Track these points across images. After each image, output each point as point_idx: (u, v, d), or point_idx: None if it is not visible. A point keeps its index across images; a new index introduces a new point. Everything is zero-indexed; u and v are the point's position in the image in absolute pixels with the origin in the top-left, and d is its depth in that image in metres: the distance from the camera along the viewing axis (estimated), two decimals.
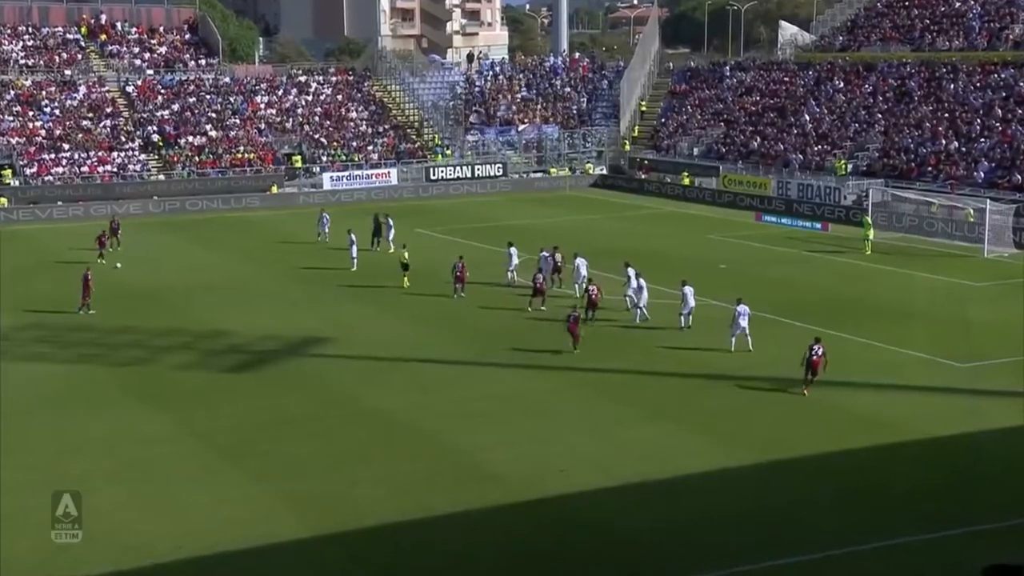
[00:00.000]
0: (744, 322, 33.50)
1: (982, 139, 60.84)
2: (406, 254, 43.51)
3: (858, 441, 26.00)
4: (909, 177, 60.97)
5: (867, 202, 57.60)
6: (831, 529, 21.77)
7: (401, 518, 22.47)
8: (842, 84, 73.97)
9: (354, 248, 46.43)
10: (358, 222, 52.45)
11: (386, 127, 79.90)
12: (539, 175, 79.72)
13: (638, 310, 36.75)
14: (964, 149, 60.99)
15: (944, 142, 62.12)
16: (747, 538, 21.49)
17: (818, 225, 57.43)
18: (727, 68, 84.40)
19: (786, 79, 78.47)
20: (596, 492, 23.60)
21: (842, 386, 30.64)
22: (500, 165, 78.13)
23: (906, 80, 70.19)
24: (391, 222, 51.62)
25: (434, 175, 75.78)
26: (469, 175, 76.54)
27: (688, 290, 36.07)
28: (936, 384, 30.53)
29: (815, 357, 29.66)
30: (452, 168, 76.64)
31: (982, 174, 57.96)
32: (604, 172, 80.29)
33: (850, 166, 64.98)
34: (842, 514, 22.37)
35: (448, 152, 79.27)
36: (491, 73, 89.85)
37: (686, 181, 72.25)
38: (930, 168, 60.97)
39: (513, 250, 42.93)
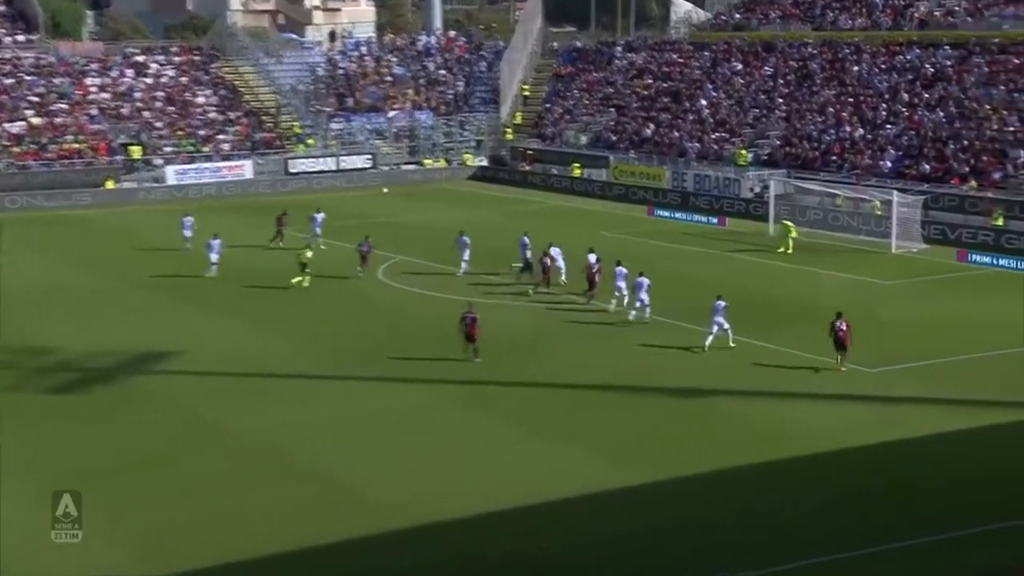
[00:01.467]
0: (721, 318, 35.02)
1: (888, 125, 62.96)
2: (308, 253, 44.43)
3: (763, 455, 26.53)
4: (813, 167, 62.70)
5: (768, 195, 59.04)
6: (732, 552, 22.15)
7: (263, 553, 22.04)
8: (740, 66, 75.68)
9: (214, 254, 45.76)
10: (223, 222, 51.51)
11: (238, 114, 78.62)
12: (412, 167, 79.51)
13: (635, 309, 38.01)
14: (870, 136, 63.01)
15: (849, 129, 64.07)
16: (638, 565, 21.69)
17: (714, 220, 58.59)
18: (617, 48, 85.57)
19: (680, 60, 79.92)
20: (480, 518, 23.60)
21: (746, 395, 31.28)
22: (368, 156, 77.69)
23: (807, 61, 72.19)
24: (319, 217, 52.01)
25: (294, 168, 74.93)
26: (334, 168, 75.92)
27: (642, 281, 38.15)
28: (845, 391, 31.40)
29: (841, 333, 32.70)
30: (314, 160, 75.89)
31: (889, 163, 59.97)
32: (484, 163, 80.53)
33: (750, 155, 66.53)
34: (746, 535, 22.77)
35: (310, 142, 78.42)
36: (356, 53, 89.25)
37: (574, 172, 72.96)
38: (834, 157, 62.82)
39: (466, 238, 45.22)
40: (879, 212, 54.23)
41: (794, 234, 51.46)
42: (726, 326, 35.34)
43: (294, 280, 43.54)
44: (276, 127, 79.34)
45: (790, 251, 50.61)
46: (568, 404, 30.77)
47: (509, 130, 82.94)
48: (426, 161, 79.89)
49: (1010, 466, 25.52)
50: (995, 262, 47.27)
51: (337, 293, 43.64)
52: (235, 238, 51.16)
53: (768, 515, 23.48)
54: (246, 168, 73.38)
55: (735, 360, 34.43)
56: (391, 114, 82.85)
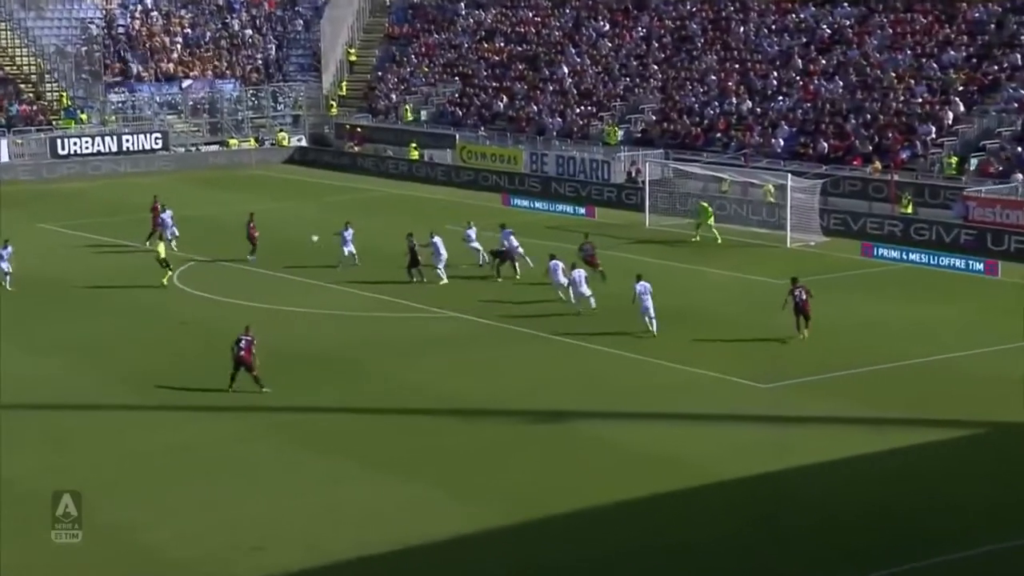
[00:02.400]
0: (649, 303, 37.65)
1: (780, 97, 64.76)
2: (161, 247, 46.25)
3: (640, 487, 26.97)
4: (694, 146, 64.13)
5: (641, 179, 60.11)
6: None
7: None
8: (608, 27, 76.90)
9: (5, 263, 45.05)
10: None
11: None
12: (214, 148, 78.69)
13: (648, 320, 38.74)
14: (759, 110, 64.72)
15: (735, 101, 65.70)
16: None
17: (582, 210, 59.45)
18: (461, 4, 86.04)
19: (537, 20, 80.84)
20: (302, 573, 23.45)
21: (611, 417, 31.79)
22: (159, 135, 76.62)
23: (686, 21, 73.78)
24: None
25: (63, 148, 73.44)
26: (115, 148, 74.72)
27: (578, 274, 40.51)
28: (735, 411, 32.14)
29: (800, 301, 37.15)
30: (90, 139, 74.46)
31: (782, 141, 61.69)
32: (303, 143, 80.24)
33: (621, 133, 67.63)
34: None
35: (83, 117, 76.84)
36: (140, 7, 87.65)
37: (413, 155, 73.22)
38: (719, 135, 64.35)
39: (438, 240, 45.81)
40: (772, 199, 55.71)
41: (711, 219, 52.58)
42: (653, 314, 37.62)
43: (164, 280, 45.09)
44: (38, 99, 77.40)
45: (719, 240, 52.03)
46: (405, 432, 30.83)
47: (333, 103, 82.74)
48: (231, 141, 79.10)
49: (902, 502, 26.28)
50: (904, 256, 48.92)
51: (126, 305, 43.02)
52: None
53: (643, 556, 23.90)
54: (0, 149, 71.40)
55: (600, 376, 34.97)
56: (186, 83, 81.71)
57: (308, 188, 68.18)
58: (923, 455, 28.95)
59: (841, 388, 33.75)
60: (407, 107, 77.57)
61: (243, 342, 33.29)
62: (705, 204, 53.60)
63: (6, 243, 45.43)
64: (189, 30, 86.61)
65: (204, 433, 30.84)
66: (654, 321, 37.97)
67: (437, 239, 45.45)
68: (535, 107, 72.84)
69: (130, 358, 37.02)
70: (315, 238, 45.83)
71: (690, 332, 38.55)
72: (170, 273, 45.76)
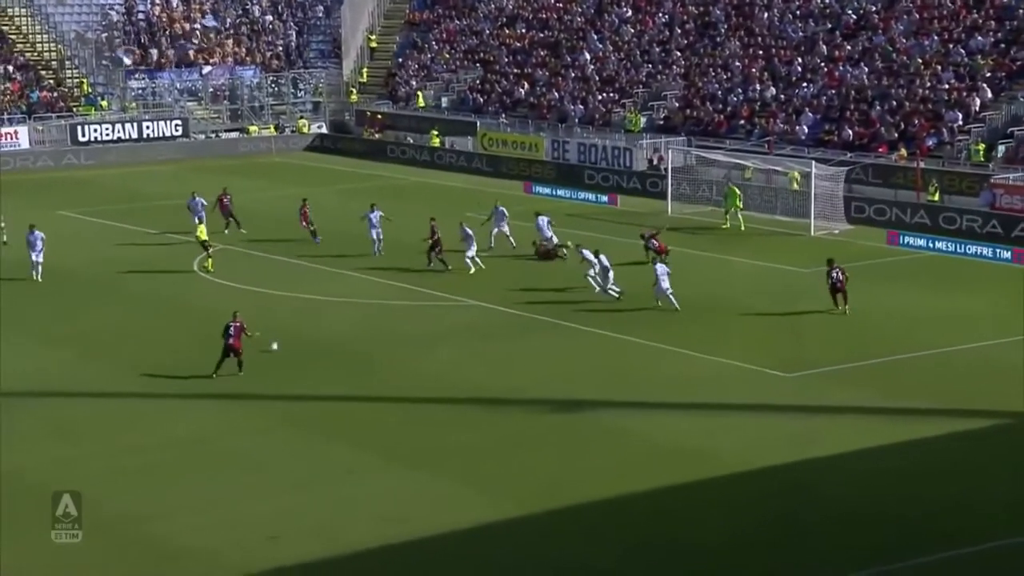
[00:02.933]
0: (666, 283, 38.70)
1: (804, 83, 64.31)
2: (203, 230, 46.84)
3: (662, 478, 26.83)
4: (717, 133, 63.74)
5: (664, 166, 59.80)
6: None
7: None
8: (630, 12, 76.49)
9: (37, 253, 44.25)
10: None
11: (9, 68, 76.57)
12: (234, 135, 78.63)
13: (612, 291, 40.02)
14: (783, 97, 64.28)
15: (759, 87, 65.28)
16: None
17: (604, 198, 59.19)
18: None
19: (559, 5, 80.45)
20: (319, 564, 23.35)
21: (642, 407, 31.62)
22: (179, 122, 76.55)
23: (709, 7, 73.31)
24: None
25: (84, 135, 73.44)
26: (135, 135, 74.71)
27: (600, 257, 40.23)
28: (759, 401, 31.94)
29: (839, 284, 38.58)
30: (110, 126, 74.49)
31: (806, 128, 61.27)
32: (324, 131, 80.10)
33: (644, 120, 67.31)
34: (642, 573, 23.00)
35: (104, 104, 76.84)
36: None
37: (434, 142, 73.02)
38: (743, 122, 63.95)
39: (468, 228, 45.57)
40: (796, 186, 55.36)
41: (739, 203, 52.41)
42: (671, 291, 38.53)
43: (207, 263, 45.41)
44: (59, 85, 77.46)
45: (743, 227, 51.87)
46: (422, 423, 30.71)
47: (354, 90, 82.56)
48: (251, 128, 79.00)
49: (922, 495, 26.01)
50: (931, 245, 48.58)
51: (145, 294, 42.96)
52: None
53: (662, 551, 23.73)
54: (21, 136, 71.66)
55: (621, 366, 34.77)
56: (207, 70, 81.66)
57: (328, 175, 68.06)
58: (947, 446, 28.74)
59: (866, 377, 33.51)
60: (419, 93, 77.33)
61: (232, 328, 33.25)
62: (734, 187, 53.37)
63: (32, 228, 45.11)
64: (210, 16, 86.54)
65: (218, 424, 30.73)
66: (673, 297, 38.70)
67: (468, 228, 45.02)
68: (557, 94, 72.55)
69: (144, 348, 36.86)
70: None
71: (714, 321, 38.37)
72: (210, 258, 45.64)
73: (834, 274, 38.85)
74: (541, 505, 25.70)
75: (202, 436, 29.89)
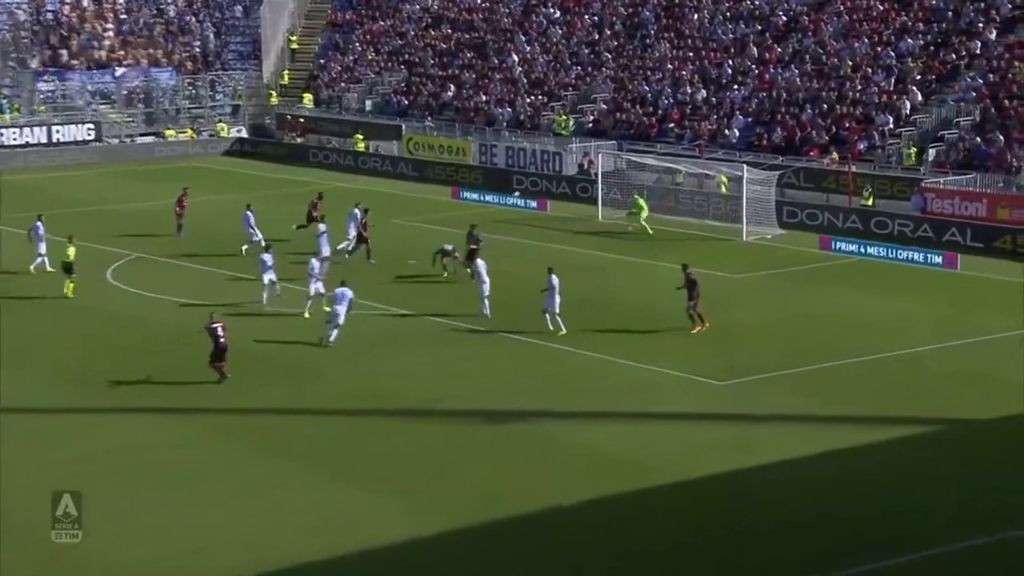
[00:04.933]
0: (556, 300, 37.61)
1: (735, 86, 65.02)
2: (71, 251, 43.40)
3: (600, 488, 27.02)
4: (648, 137, 64.27)
5: (594, 170, 60.17)
6: None
7: None
8: (558, 13, 76.87)
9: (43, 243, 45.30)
10: None
11: None
12: (150, 140, 78.02)
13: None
14: (714, 99, 64.94)
15: (689, 90, 65.88)
16: None
17: (533, 204, 59.47)
18: None
19: (485, 5, 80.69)
20: None
21: (576, 417, 31.83)
22: (91, 126, 75.81)
23: (639, 7, 73.84)
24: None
25: None
26: (44, 140, 73.98)
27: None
28: (694, 409, 32.29)
29: (693, 299, 37.46)
30: (17, 130, 73.65)
31: (737, 132, 61.94)
32: (243, 135, 79.73)
33: (573, 123, 67.67)
34: None
35: (13, 108, 75.90)
36: None
37: (359, 146, 72.94)
38: (673, 125, 64.50)
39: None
40: (726, 191, 55.94)
41: (645, 213, 52.93)
42: (556, 310, 37.57)
43: (66, 289, 42.86)
44: None
45: (650, 232, 52.56)
46: (357, 434, 30.72)
47: (274, 93, 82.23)
48: (168, 132, 78.51)
49: (864, 502, 26.40)
50: (863, 250, 49.25)
51: (58, 303, 42.54)
52: None
53: (602, 561, 23.91)
54: None
55: (555, 375, 34.99)
56: (120, 72, 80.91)
57: (250, 181, 67.71)
58: (886, 453, 29.17)
59: (801, 384, 33.97)
60: (305, 95, 77.18)
61: (219, 328, 33.32)
62: (638, 198, 53.85)
63: (40, 216, 45.69)
64: (123, 16, 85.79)
65: (147, 436, 30.56)
66: (559, 319, 37.82)
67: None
68: (484, 97, 72.77)
69: (68, 359, 36.64)
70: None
71: (646, 329, 38.64)
72: (70, 283, 43.05)
73: (690, 274, 38.19)
74: (474, 518, 25.81)
75: (131, 447, 29.71)
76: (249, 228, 49.02)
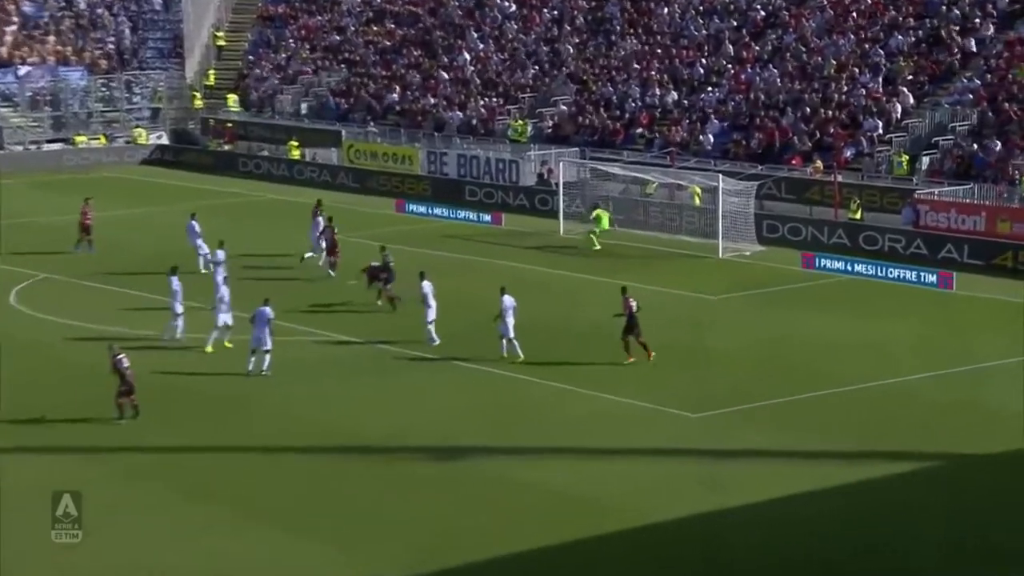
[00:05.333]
0: (511, 322, 37.99)
1: (709, 88, 65.57)
2: None
3: (557, 533, 27.23)
4: (614, 143, 64.73)
5: (555, 181, 60.54)
6: None
7: None
8: (514, 7, 77.33)
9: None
10: None
11: None
12: (57, 147, 77.85)
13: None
14: (686, 102, 65.47)
15: (659, 92, 66.39)
16: None
17: (487, 217, 59.82)
18: None
19: None
20: None
21: (533, 453, 32.07)
22: None
23: (603, 1, 74.36)
24: None
25: None
26: None
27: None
28: (662, 444, 32.59)
29: (633, 322, 37.56)
30: None
31: (711, 137, 62.45)
32: (164, 142, 79.71)
33: (531, 128, 68.05)
34: None
35: None
36: None
37: (294, 154, 73.04)
38: (641, 130, 64.98)
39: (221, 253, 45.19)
40: (700, 202, 56.43)
41: (604, 225, 53.37)
42: (511, 334, 37.94)
43: None
44: None
45: (596, 246, 53.07)
46: (290, 474, 30.84)
47: (198, 95, 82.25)
48: (78, 139, 78.39)
49: (846, 545, 26.74)
50: (850, 268, 49.68)
51: None
52: None
53: None
54: None
55: (509, 407, 35.28)
56: (24, 71, 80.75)
57: (171, 193, 67.68)
58: (871, 492, 29.51)
59: (779, 417, 34.33)
60: (228, 96, 77.52)
61: (124, 360, 33.43)
62: (603, 211, 54.33)
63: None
64: (26, 8, 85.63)
65: (51, 478, 30.49)
66: (515, 343, 38.32)
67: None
68: (432, 99, 73.04)
69: None
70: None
71: (610, 355, 38.85)
72: None
73: (632, 304, 38.25)
74: (420, 566, 25.94)
75: (30, 487, 29.53)
76: (196, 241, 49.20)
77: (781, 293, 47.50)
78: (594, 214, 54.38)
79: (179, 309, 40.62)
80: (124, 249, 52.28)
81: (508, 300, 38.51)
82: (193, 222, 50.22)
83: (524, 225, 58.59)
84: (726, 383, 36.98)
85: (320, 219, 50.19)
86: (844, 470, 30.67)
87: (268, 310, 37.59)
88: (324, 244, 49.26)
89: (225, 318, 39.67)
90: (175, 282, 41.00)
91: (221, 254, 45.01)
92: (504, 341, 38.41)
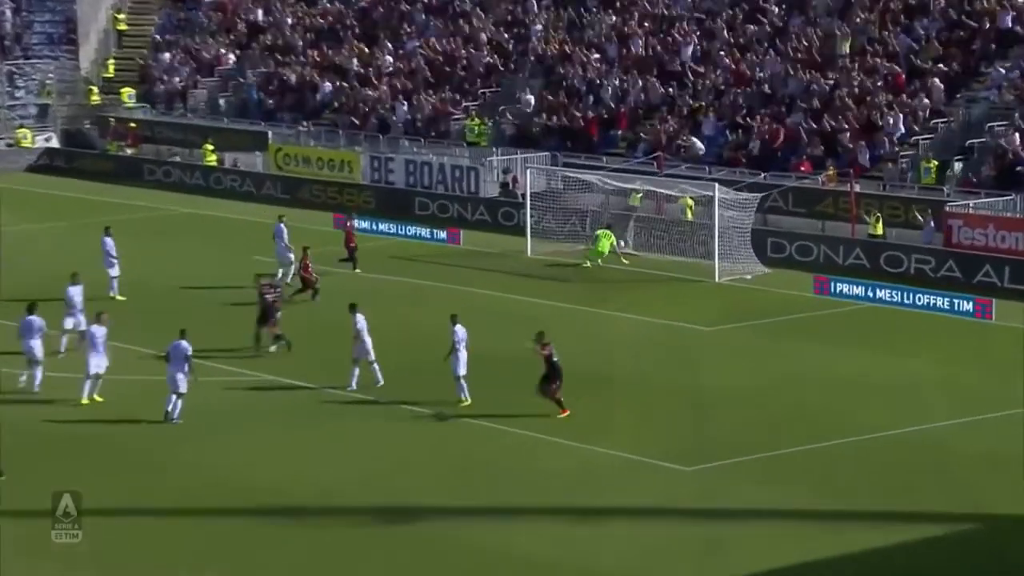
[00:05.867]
0: (463, 358, 38.18)
1: (702, 78, 65.81)
2: None
3: None
4: (590, 146, 65.03)
5: (521, 191, 60.75)
6: None
7: None
8: None
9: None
10: None
11: None
12: None
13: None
14: (675, 95, 65.65)
15: (642, 83, 66.62)
16: None
17: (442, 234, 59.98)
18: None
19: None
20: None
21: (498, 515, 32.30)
22: None
23: None
24: None
25: None
26: None
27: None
28: (651, 503, 32.81)
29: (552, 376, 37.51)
30: None
31: (704, 140, 62.63)
32: (54, 144, 79.51)
33: (492, 129, 68.24)
34: None
35: None
36: None
37: (210, 159, 72.88)
38: (621, 132, 65.27)
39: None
40: (692, 216, 56.76)
41: (603, 249, 53.98)
42: (461, 372, 37.88)
43: None
44: None
45: (586, 263, 53.72)
46: (207, 539, 30.80)
47: (95, 88, 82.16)
48: None
49: None
50: (871, 294, 49.93)
51: None
52: None
53: None
54: None
55: (470, 459, 35.50)
56: None
57: (60, 206, 67.56)
58: (893, 559, 29.70)
59: (788, 471, 34.57)
60: (123, 90, 77.67)
61: None
62: (605, 231, 54.75)
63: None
64: None
65: None
66: (463, 384, 38.61)
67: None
68: (374, 93, 73.17)
69: None
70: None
71: (589, 398, 39.05)
72: None
73: (550, 351, 38.02)
74: None
75: None
76: (110, 258, 49.91)
77: (788, 324, 47.77)
78: (596, 233, 54.76)
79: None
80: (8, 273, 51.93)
81: (460, 331, 38.83)
82: (107, 238, 50.36)
83: (485, 244, 58.80)
84: (725, 431, 37.24)
85: (283, 225, 51.33)
86: (863, 533, 30.88)
87: (185, 344, 37.82)
88: (292, 255, 50.28)
89: (98, 363, 39.40)
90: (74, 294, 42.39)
91: (75, 292, 44.31)
92: (460, 381, 38.78)
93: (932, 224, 53.74)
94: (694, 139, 62.74)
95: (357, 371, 39.80)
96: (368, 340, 39.81)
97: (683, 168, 60.87)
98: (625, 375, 41.73)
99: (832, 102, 61.41)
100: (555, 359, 37.77)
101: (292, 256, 50.79)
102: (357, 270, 53.32)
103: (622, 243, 55.49)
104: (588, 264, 54.31)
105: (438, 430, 37.66)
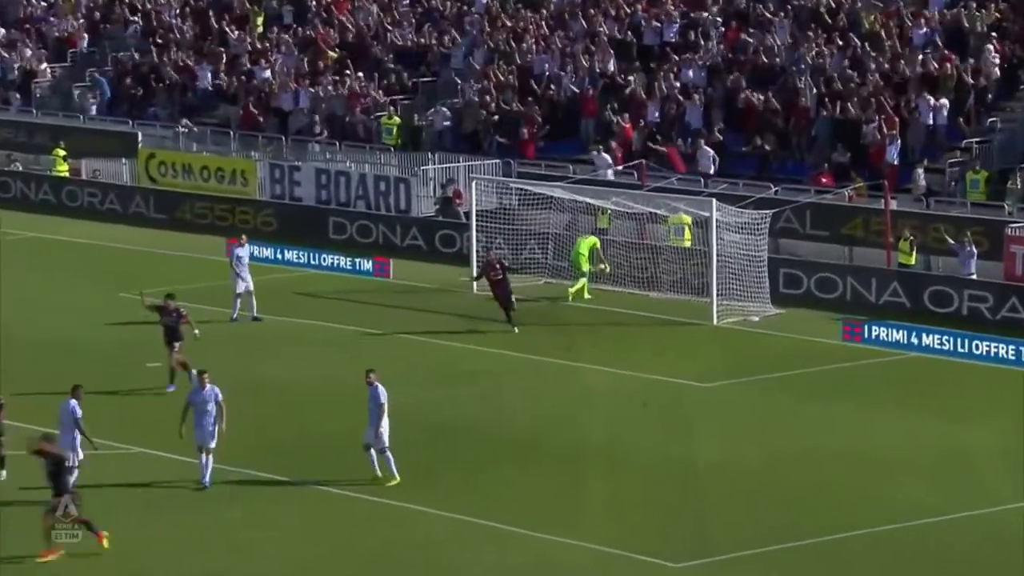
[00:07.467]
0: (385, 423, 38.45)
1: (688, 63, 66.36)
2: None
3: None
4: (549, 152, 65.68)
5: (464, 209, 61.13)
6: None
7: None
8: None
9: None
10: None
11: None
12: None
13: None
14: (658, 86, 66.04)
15: (616, 70, 67.44)
16: None
17: (367, 264, 60.27)
18: None
19: None
20: None
21: None
22: None
23: None
24: None
25: None
26: None
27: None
28: None
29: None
30: None
31: (701, 141, 63.22)
32: None
33: (421, 127, 68.83)
34: None
35: None
36: None
37: (61, 168, 72.94)
38: (596, 136, 65.71)
39: None
40: (688, 242, 57.42)
41: (586, 266, 54.76)
42: (385, 443, 38.36)
43: None
44: None
45: (585, 294, 54.70)
46: None
47: None
48: None
49: None
50: (914, 341, 50.35)
51: None
52: None
53: None
54: None
55: (408, 552, 35.68)
56: None
57: None
58: None
59: (805, 567, 34.92)
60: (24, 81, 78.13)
61: None
62: (588, 239, 55.42)
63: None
64: None
65: None
66: (389, 457, 38.90)
67: None
68: (271, 79, 73.52)
69: None
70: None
71: (555, 476, 39.63)
72: None
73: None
74: None
75: None
76: None
77: (808, 379, 48.24)
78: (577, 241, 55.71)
79: None
80: None
81: (380, 392, 39.10)
82: None
83: (419, 275, 59.25)
84: (724, 517, 37.56)
85: (242, 250, 52.92)
86: None
87: (74, 404, 38.00)
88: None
89: None
90: None
91: None
92: (374, 453, 38.99)
93: (970, 248, 53.88)
94: (705, 146, 62.79)
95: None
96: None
97: (673, 179, 61.20)
98: (597, 444, 42.24)
99: (857, 94, 61.58)
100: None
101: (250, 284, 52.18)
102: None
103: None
104: (571, 300, 54.94)
105: (352, 514, 37.81)
